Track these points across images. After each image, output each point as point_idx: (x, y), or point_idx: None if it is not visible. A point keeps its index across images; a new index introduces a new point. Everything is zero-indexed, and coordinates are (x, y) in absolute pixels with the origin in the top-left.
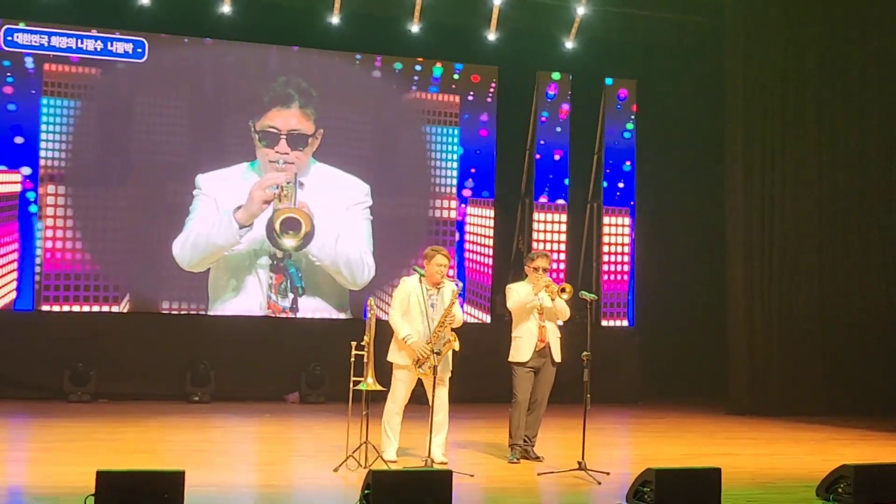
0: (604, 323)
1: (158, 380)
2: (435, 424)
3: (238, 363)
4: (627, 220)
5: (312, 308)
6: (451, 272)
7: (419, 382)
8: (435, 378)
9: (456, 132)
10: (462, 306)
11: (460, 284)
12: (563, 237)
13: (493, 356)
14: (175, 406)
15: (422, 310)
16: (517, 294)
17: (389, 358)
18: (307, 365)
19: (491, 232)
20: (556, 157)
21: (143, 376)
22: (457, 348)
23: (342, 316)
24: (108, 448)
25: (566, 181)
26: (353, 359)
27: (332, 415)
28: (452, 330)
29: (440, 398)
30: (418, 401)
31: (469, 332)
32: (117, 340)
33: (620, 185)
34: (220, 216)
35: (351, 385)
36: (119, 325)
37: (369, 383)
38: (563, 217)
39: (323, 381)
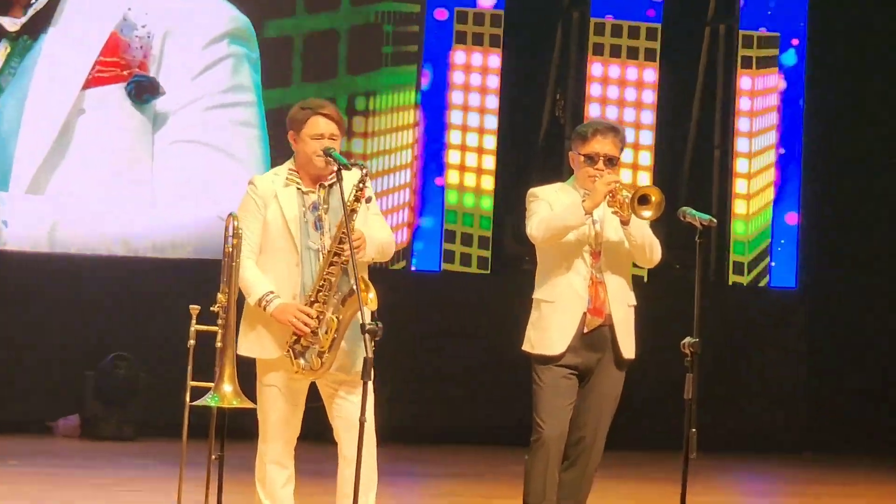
0: (734, 278)
1: None
2: (344, 479)
3: None
4: (794, 60)
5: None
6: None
7: (313, 396)
8: (342, 385)
9: None
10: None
11: (366, 169)
12: (652, 94)
13: (494, 343)
14: None
15: (294, 239)
16: (547, 208)
17: (241, 350)
18: (96, 357)
19: (496, 79)
20: None
21: None
22: (371, 306)
23: (168, 253)
24: None
25: None
26: (191, 342)
27: (148, 463)
28: (363, 275)
29: (349, 420)
30: (325, 437)
31: (439, 290)
32: None
33: None
34: None
35: (187, 399)
36: None
37: (226, 394)
38: (654, 46)
39: (133, 392)
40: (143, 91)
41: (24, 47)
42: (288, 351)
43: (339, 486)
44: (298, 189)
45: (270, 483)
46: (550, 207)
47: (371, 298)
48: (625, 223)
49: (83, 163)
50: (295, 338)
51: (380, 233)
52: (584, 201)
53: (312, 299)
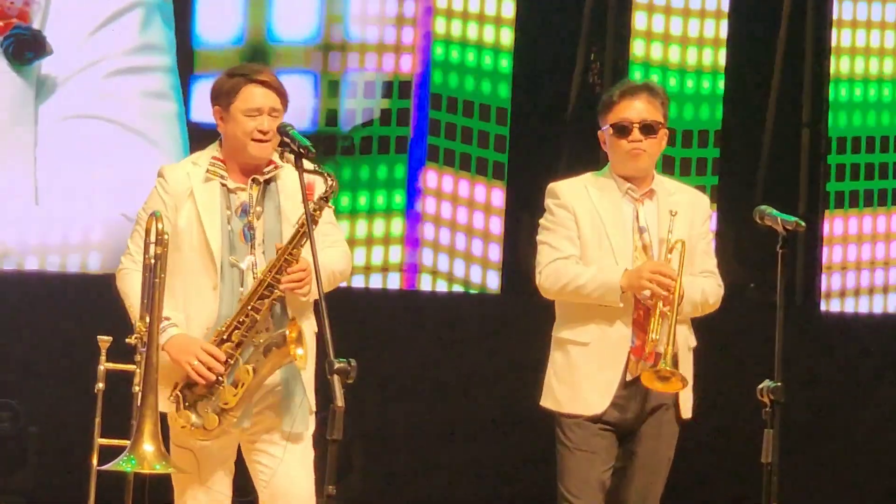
0: (828, 305)
1: None
2: None
3: None
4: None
5: None
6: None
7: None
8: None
9: None
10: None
11: (333, 182)
12: (719, 53)
13: (502, 389)
14: None
15: (213, 254)
16: (565, 240)
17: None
18: None
19: (507, 33)
20: None
21: None
22: (299, 364)
23: (60, 266)
24: None
25: None
26: (100, 385)
27: None
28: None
29: (287, 491)
30: None
31: (428, 317)
32: None
33: None
34: None
35: (94, 461)
36: None
37: (146, 455)
38: None
39: (20, 453)
40: (25, 48)
41: None
42: (174, 395)
43: None
44: (223, 185)
45: None
46: (575, 221)
47: (300, 355)
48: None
49: None
50: (188, 381)
51: (334, 251)
52: (624, 274)
53: (224, 337)
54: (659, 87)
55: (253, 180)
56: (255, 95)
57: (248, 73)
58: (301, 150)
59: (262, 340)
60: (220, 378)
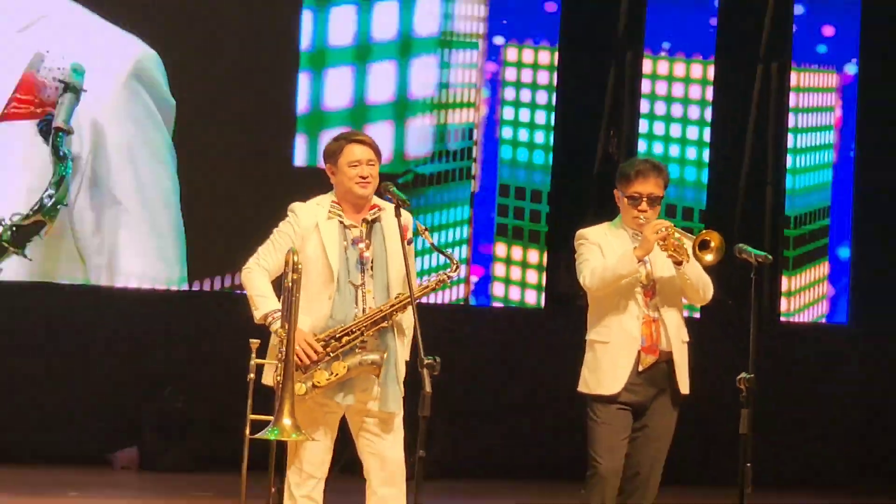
0: (787, 316)
1: None
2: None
3: None
4: (833, 97)
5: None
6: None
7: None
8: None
9: None
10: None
11: (455, 266)
12: (705, 131)
13: (545, 381)
14: None
15: (334, 273)
16: (598, 253)
17: (266, 379)
18: (153, 390)
19: (546, 115)
20: None
21: None
22: (378, 377)
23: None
24: None
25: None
26: (251, 375)
27: (206, 494)
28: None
29: (382, 456)
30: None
31: (488, 327)
32: None
33: (828, 30)
34: None
35: (247, 432)
36: None
37: (286, 427)
38: (708, 88)
39: (188, 423)
40: None
41: None
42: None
43: None
44: (341, 223)
45: None
46: (601, 250)
47: (377, 373)
48: (678, 265)
49: None
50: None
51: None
52: (635, 248)
53: (336, 336)
54: (664, 167)
55: (363, 220)
56: (354, 151)
57: (349, 136)
58: (400, 203)
59: (360, 350)
60: (316, 363)
